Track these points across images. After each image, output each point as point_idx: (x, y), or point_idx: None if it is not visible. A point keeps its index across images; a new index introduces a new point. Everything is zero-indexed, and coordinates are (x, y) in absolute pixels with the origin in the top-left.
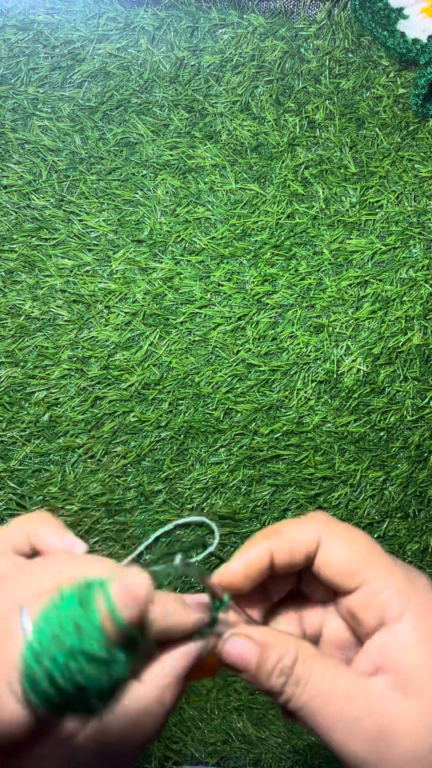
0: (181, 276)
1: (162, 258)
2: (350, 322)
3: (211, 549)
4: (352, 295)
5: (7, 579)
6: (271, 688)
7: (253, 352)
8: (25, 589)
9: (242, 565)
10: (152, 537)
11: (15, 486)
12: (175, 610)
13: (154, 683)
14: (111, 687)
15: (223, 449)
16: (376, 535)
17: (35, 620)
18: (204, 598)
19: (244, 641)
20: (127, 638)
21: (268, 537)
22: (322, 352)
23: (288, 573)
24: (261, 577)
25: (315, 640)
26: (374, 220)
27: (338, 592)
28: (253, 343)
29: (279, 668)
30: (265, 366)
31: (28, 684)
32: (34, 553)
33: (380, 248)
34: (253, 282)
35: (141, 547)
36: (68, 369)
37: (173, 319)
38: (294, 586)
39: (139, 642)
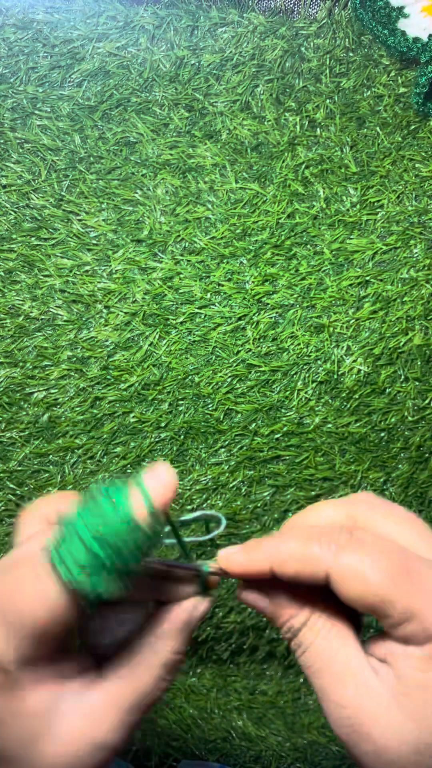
0: (181, 276)
1: (162, 258)
2: (351, 322)
3: (215, 533)
4: (352, 295)
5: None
6: (281, 633)
7: (254, 353)
8: None
9: (239, 567)
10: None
11: (14, 487)
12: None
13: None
14: (136, 555)
15: (223, 450)
16: None
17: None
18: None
19: (257, 594)
20: (152, 526)
21: (269, 548)
22: (322, 353)
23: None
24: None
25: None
26: (375, 219)
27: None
28: (253, 344)
29: (288, 625)
30: (266, 366)
31: (60, 556)
32: None
33: (381, 248)
34: (253, 282)
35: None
36: (67, 369)
37: (173, 319)
38: None
39: (159, 530)
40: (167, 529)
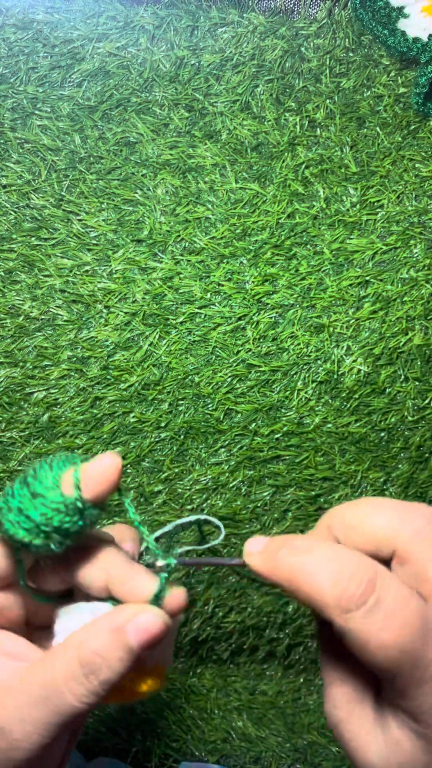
0: (181, 276)
1: (162, 258)
2: (351, 322)
3: (216, 542)
4: (352, 295)
5: None
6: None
7: (253, 353)
8: None
9: (257, 568)
10: (152, 537)
11: None
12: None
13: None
14: (61, 526)
15: (223, 450)
16: None
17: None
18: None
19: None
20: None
21: (293, 563)
22: (322, 353)
23: None
24: None
25: None
26: (375, 219)
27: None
28: (253, 344)
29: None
30: (266, 366)
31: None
32: None
33: (381, 248)
34: (253, 282)
35: (141, 547)
36: (68, 369)
37: (173, 319)
38: None
39: (87, 513)
40: (95, 511)
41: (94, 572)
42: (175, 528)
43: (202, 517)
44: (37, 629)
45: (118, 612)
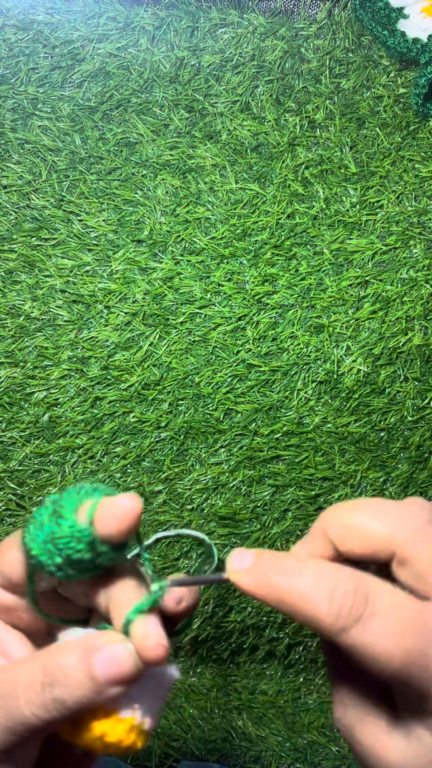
0: (181, 276)
1: (162, 258)
2: (350, 322)
3: (211, 574)
4: (352, 295)
5: None
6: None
7: (253, 353)
8: None
9: (244, 586)
10: (153, 538)
11: (15, 486)
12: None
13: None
14: (77, 560)
15: (223, 450)
16: None
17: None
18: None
19: None
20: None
21: (281, 582)
22: (322, 353)
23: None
24: None
25: None
26: (375, 220)
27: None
28: (253, 344)
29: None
30: (266, 366)
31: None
32: None
33: (381, 248)
34: (253, 282)
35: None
36: (68, 369)
37: (173, 320)
38: None
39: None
40: (108, 550)
41: (101, 598)
42: (175, 535)
43: (198, 535)
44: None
45: (95, 636)
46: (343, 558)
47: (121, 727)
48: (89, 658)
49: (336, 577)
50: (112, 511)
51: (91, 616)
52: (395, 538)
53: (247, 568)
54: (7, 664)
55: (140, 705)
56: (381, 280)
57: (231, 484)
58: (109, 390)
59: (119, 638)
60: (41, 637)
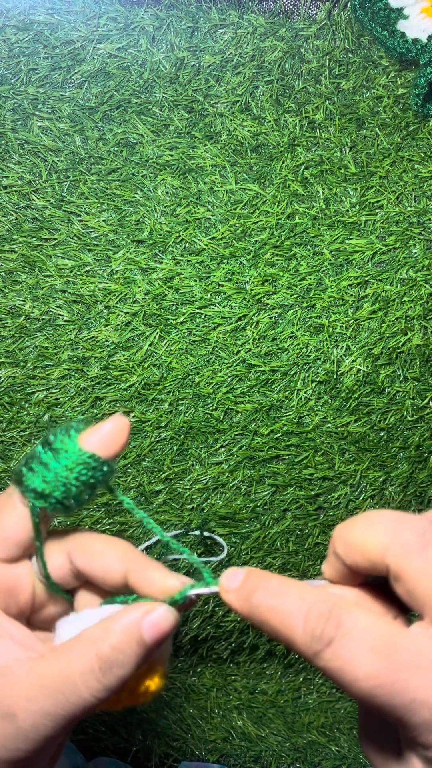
0: (181, 276)
1: (162, 258)
2: (350, 322)
3: (220, 557)
4: (352, 295)
5: None
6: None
7: (253, 353)
8: None
9: (232, 604)
10: (153, 538)
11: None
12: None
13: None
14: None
15: (223, 449)
16: None
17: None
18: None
19: None
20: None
21: (267, 603)
22: (322, 353)
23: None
24: None
25: None
26: (374, 220)
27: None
28: (253, 344)
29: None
30: (265, 366)
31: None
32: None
33: (380, 248)
34: (253, 282)
35: (141, 547)
36: (68, 369)
37: (173, 320)
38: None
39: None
40: (108, 469)
41: (112, 562)
42: (177, 536)
43: (206, 533)
44: (35, 630)
45: (133, 608)
46: (359, 573)
47: (159, 676)
48: (136, 629)
49: (312, 600)
50: (108, 431)
51: (76, 597)
52: (388, 552)
53: (236, 587)
54: (37, 657)
55: (161, 650)
56: (381, 280)
57: (231, 484)
58: (110, 390)
59: (153, 604)
60: (23, 622)
